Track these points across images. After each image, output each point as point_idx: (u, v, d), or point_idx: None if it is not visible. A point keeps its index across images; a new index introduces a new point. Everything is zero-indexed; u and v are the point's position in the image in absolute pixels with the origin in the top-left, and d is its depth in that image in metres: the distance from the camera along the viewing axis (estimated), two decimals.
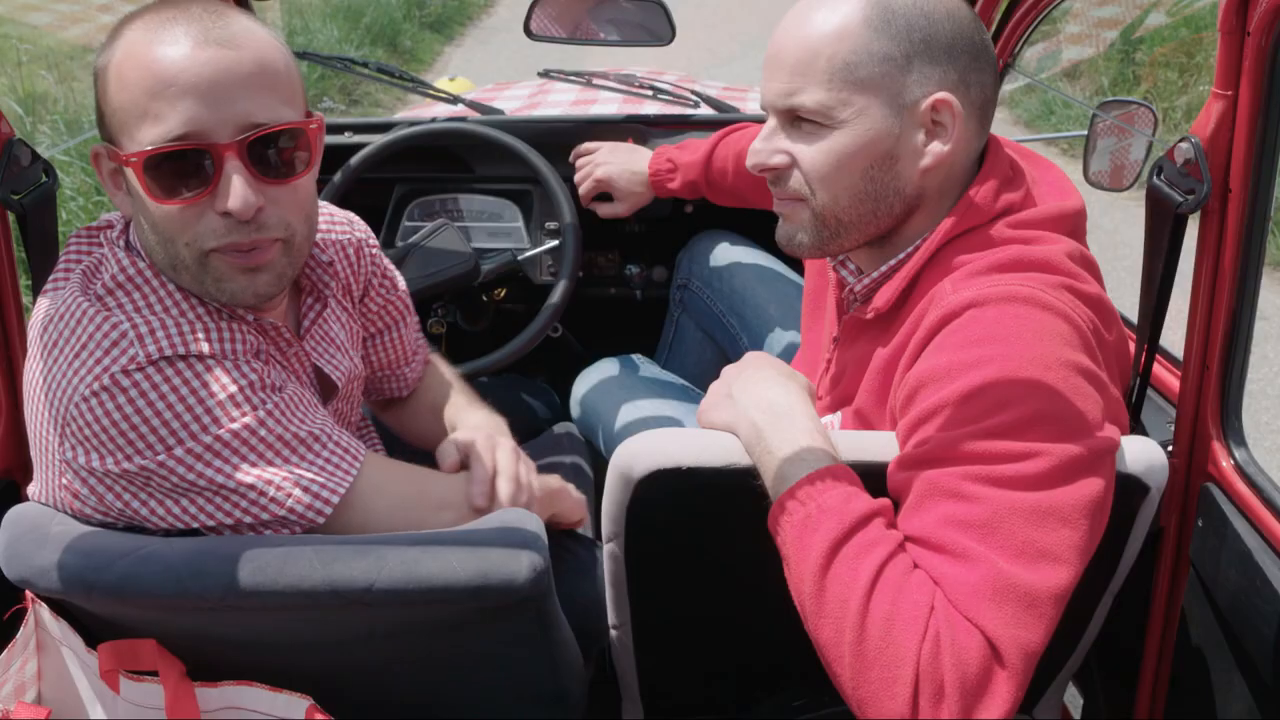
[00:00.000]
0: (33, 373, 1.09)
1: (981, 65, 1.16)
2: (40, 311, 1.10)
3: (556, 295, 1.93)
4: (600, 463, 1.68)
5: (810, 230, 1.21)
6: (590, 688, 1.33)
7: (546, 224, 2.16)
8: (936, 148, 1.16)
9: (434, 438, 1.53)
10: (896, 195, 1.17)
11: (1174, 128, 5.78)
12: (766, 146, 1.20)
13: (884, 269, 1.22)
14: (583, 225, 2.00)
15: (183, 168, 1.03)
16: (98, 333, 1.04)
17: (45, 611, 1.14)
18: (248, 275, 1.08)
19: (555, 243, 2.09)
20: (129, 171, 1.04)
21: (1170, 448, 1.28)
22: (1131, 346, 1.31)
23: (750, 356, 1.23)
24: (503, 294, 2.23)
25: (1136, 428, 1.30)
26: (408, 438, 1.57)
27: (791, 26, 1.16)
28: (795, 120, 1.17)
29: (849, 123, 1.14)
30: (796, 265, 1.61)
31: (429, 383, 1.59)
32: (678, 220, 2.23)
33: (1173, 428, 1.29)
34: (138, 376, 1.02)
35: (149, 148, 1.02)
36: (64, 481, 1.08)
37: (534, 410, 2.20)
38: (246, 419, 1.05)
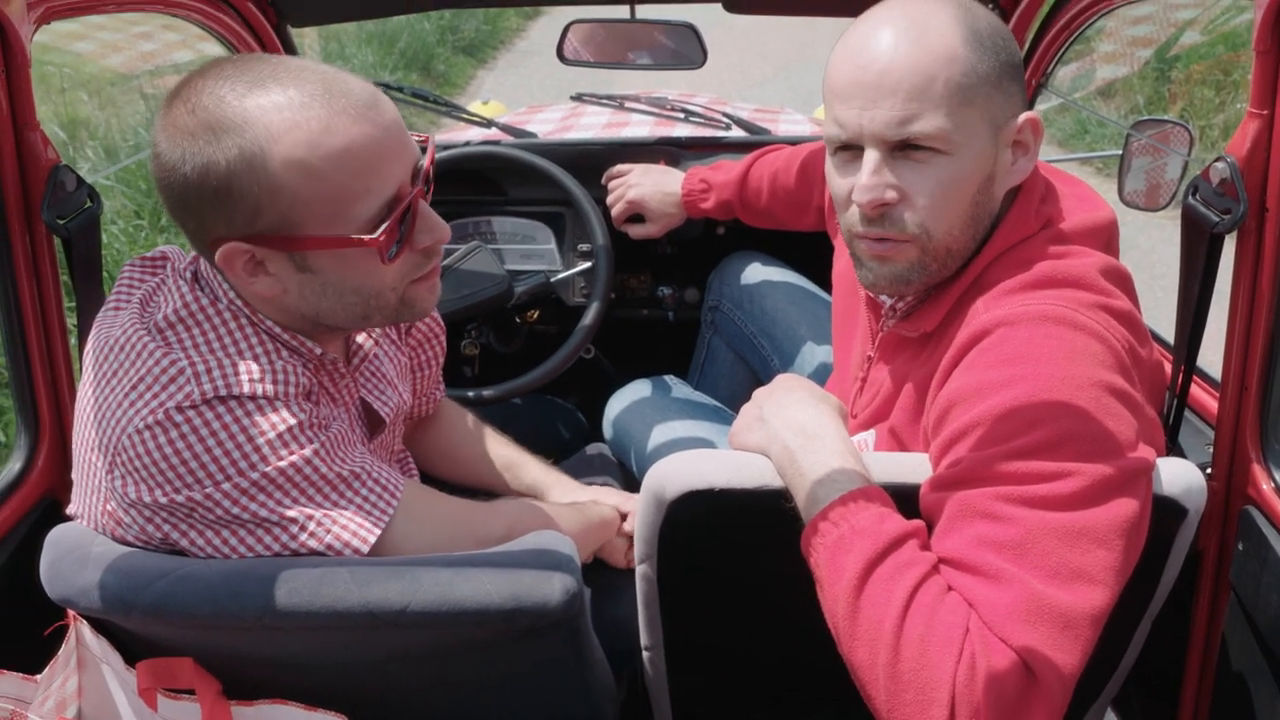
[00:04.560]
0: (85, 399, 1.11)
1: (1024, 82, 1.17)
2: (98, 338, 1.12)
3: (589, 317, 1.94)
4: (633, 484, 1.69)
5: (918, 267, 1.16)
6: (622, 709, 1.33)
7: (579, 246, 2.18)
8: (1024, 165, 1.16)
9: (465, 475, 1.56)
10: (989, 216, 1.17)
11: (1211, 145, 5.73)
12: (878, 181, 1.12)
13: (924, 289, 1.21)
14: (615, 247, 2.01)
15: (396, 225, 1.07)
16: (155, 368, 1.06)
17: (86, 629, 1.16)
18: (432, 290, 1.17)
19: (588, 264, 2.10)
20: (347, 253, 1.06)
21: (1209, 470, 1.26)
22: (1168, 367, 1.30)
23: (781, 378, 1.23)
24: (535, 316, 2.24)
25: (1174, 449, 1.28)
26: (430, 467, 1.58)
27: (888, 52, 1.10)
28: (903, 150, 1.12)
29: (963, 147, 1.11)
30: (828, 285, 1.61)
31: (450, 418, 1.62)
32: (709, 242, 2.23)
33: (1211, 449, 1.28)
34: (191, 414, 1.04)
35: (382, 222, 1.05)
36: (108, 508, 1.10)
37: (566, 431, 2.20)
38: (293, 458, 1.06)
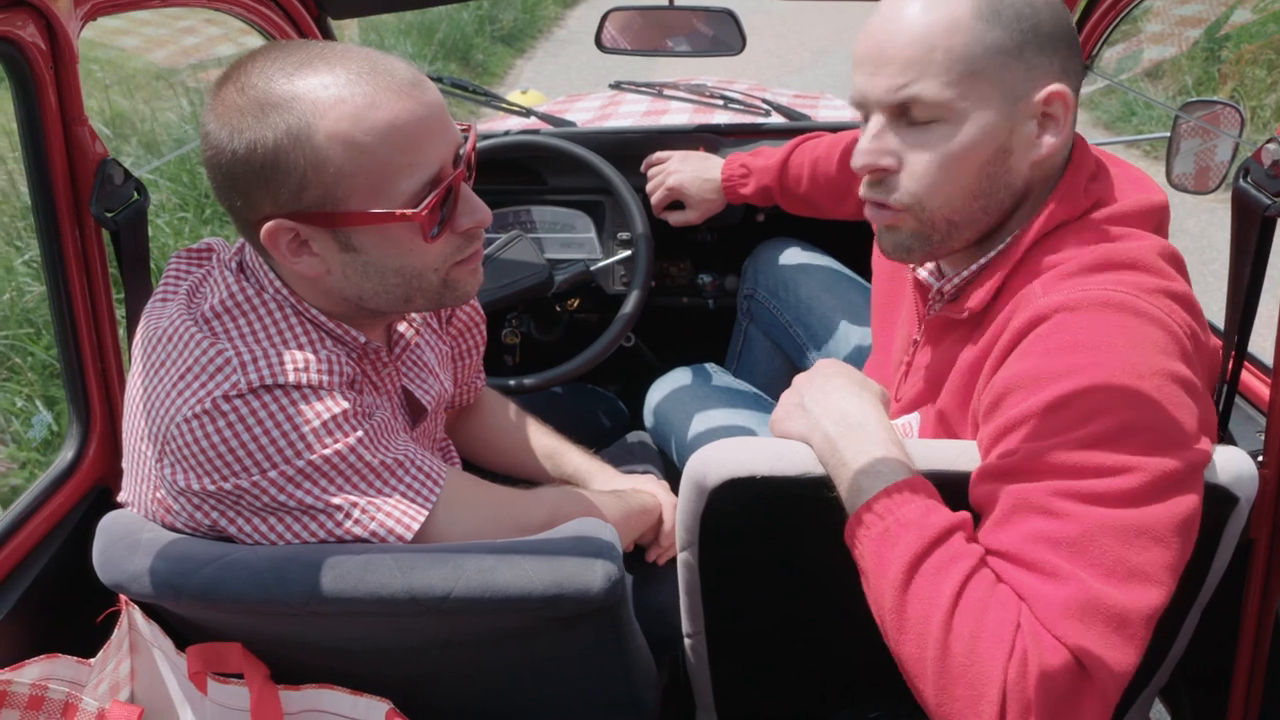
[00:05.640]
0: (134, 389, 1.13)
1: (1076, 53, 1.15)
2: (146, 329, 1.14)
3: (629, 305, 1.94)
4: (674, 472, 1.69)
5: (918, 236, 1.17)
6: (663, 695, 1.33)
7: (619, 234, 2.18)
8: (1050, 139, 1.14)
9: (507, 463, 1.58)
10: (1006, 190, 1.15)
11: (1263, 127, 5.61)
12: (876, 146, 1.14)
13: (974, 267, 1.20)
14: (655, 235, 2.01)
15: (438, 204, 1.08)
16: (203, 357, 1.07)
17: (138, 614, 1.18)
18: (474, 273, 1.18)
19: (628, 253, 2.10)
20: (389, 230, 1.07)
21: (1260, 457, 1.24)
22: (1219, 352, 1.27)
23: (822, 364, 1.22)
24: (576, 304, 2.25)
25: (1224, 437, 1.26)
26: (471, 455, 1.59)
27: (893, 20, 1.12)
28: (904, 117, 1.13)
29: (966, 116, 1.11)
30: (866, 271, 1.60)
31: (491, 406, 1.63)
32: (750, 229, 2.23)
33: (1263, 437, 1.25)
34: (238, 403, 1.05)
35: (426, 197, 1.06)
36: (158, 496, 1.12)
37: (607, 420, 2.21)
38: (338, 445, 1.08)
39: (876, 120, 1.14)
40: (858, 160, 1.15)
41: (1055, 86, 1.12)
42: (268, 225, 1.06)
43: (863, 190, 1.19)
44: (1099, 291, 1.03)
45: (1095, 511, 0.94)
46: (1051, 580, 0.93)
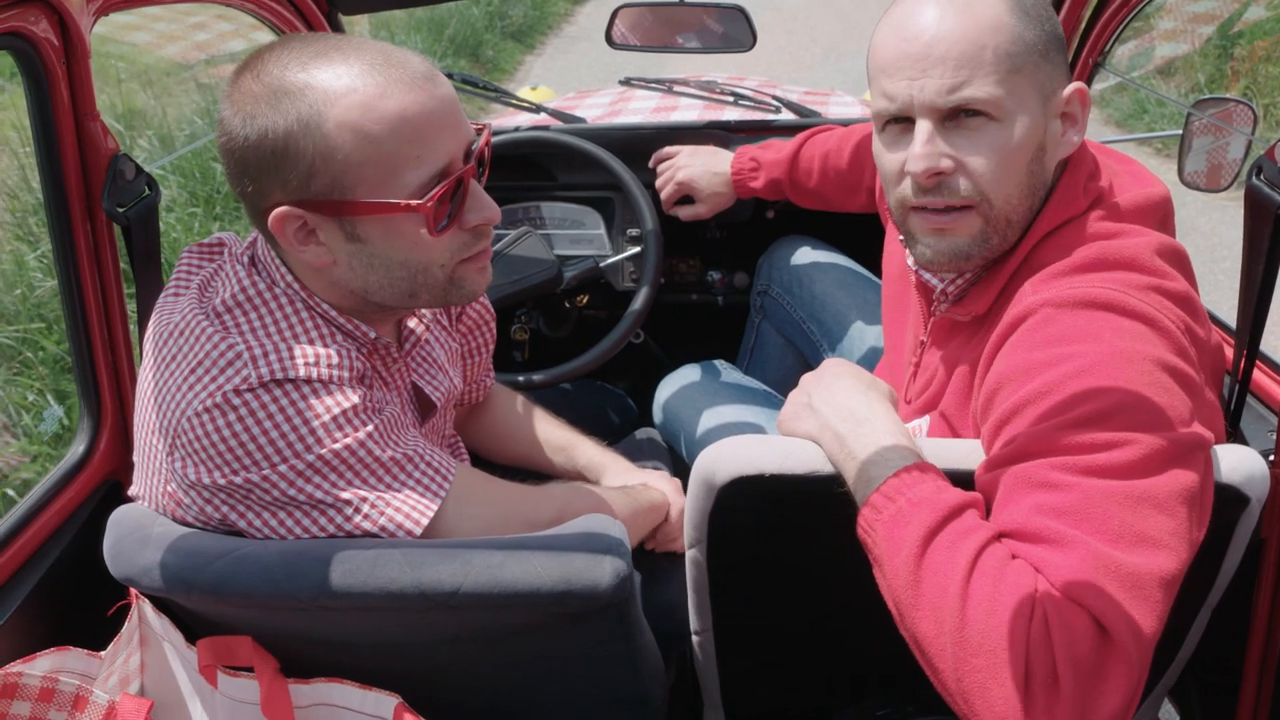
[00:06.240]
0: (145, 383, 1.13)
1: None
2: (158, 323, 1.14)
3: (638, 301, 1.94)
4: (682, 468, 1.69)
5: (979, 238, 1.15)
6: (671, 692, 1.33)
7: (628, 231, 2.18)
8: (1073, 137, 1.15)
9: (516, 458, 1.58)
10: (1043, 188, 1.16)
11: (1276, 124, 5.59)
12: (933, 150, 1.12)
13: (977, 270, 1.20)
14: (664, 232, 2.00)
15: (446, 197, 1.08)
16: (214, 351, 1.08)
17: (148, 607, 1.19)
18: (482, 272, 1.18)
19: (637, 249, 2.10)
20: (395, 222, 1.07)
21: (1272, 457, 1.23)
22: (1230, 351, 1.27)
23: (829, 364, 1.22)
24: (585, 300, 2.25)
25: (1236, 436, 1.26)
26: (480, 450, 1.59)
27: (936, 22, 1.11)
28: (955, 119, 1.12)
29: (1015, 114, 1.11)
30: (879, 269, 1.60)
31: (502, 401, 1.63)
32: (759, 225, 2.22)
33: (1275, 436, 1.25)
34: (248, 397, 1.06)
35: (433, 188, 1.06)
36: (169, 489, 1.12)
37: (616, 416, 2.21)
38: (348, 440, 1.08)
39: (924, 125, 1.13)
40: (916, 165, 1.13)
41: (1077, 85, 1.14)
42: (276, 212, 1.07)
43: (914, 197, 1.16)
44: (1085, 290, 1.04)
45: (1094, 482, 0.94)
46: (1060, 547, 0.93)
